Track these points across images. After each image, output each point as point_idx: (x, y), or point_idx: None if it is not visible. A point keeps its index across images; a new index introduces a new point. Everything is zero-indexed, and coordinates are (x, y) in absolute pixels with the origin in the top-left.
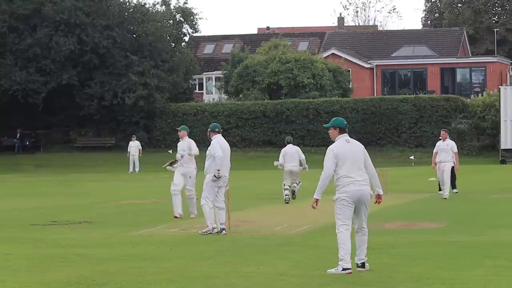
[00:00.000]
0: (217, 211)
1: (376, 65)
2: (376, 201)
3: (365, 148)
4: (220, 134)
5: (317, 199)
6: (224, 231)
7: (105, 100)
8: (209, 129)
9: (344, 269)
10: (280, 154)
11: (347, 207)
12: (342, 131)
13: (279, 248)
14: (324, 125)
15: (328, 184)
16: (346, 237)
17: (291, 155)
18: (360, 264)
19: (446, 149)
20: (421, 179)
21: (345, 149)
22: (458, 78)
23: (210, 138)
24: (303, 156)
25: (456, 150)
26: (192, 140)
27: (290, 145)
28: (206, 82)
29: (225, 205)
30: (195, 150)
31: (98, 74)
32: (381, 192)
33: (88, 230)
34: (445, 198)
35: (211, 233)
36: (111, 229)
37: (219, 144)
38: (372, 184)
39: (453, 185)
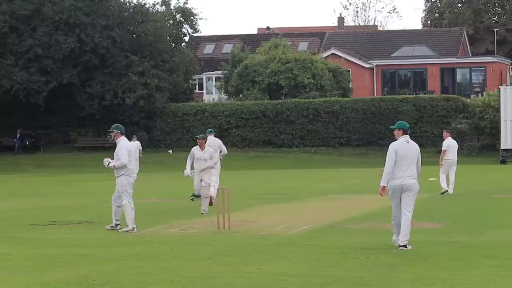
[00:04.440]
0: (117, 208)
1: (376, 65)
2: None
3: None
4: (124, 136)
5: (383, 186)
6: (118, 226)
7: (106, 100)
8: (116, 130)
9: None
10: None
11: (394, 196)
12: (405, 132)
13: (279, 248)
14: (390, 127)
15: (391, 174)
16: (395, 219)
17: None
18: (401, 245)
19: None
20: (421, 179)
21: (404, 149)
22: (458, 78)
23: (114, 140)
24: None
25: (443, 147)
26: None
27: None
28: (206, 82)
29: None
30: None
31: (99, 74)
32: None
33: (88, 230)
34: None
35: (131, 232)
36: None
37: (126, 149)
38: None
39: None
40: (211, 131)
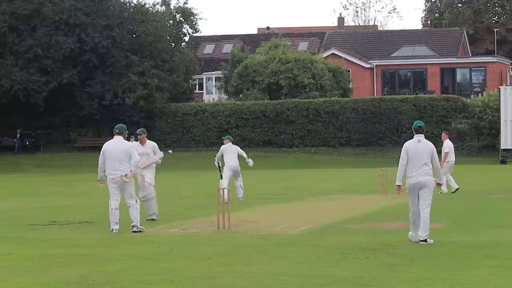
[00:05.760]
0: (128, 210)
1: (376, 65)
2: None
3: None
4: (120, 136)
5: (398, 185)
6: (135, 228)
7: (105, 100)
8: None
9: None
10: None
11: (410, 193)
12: (416, 131)
13: (279, 248)
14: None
15: (404, 172)
16: (412, 215)
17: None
18: (421, 240)
19: None
20: None
21: (414, 148)
22: (458, 78)
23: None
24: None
25: (445, 149)
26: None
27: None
28: (206, 82)
29: (133, 202)
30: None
31: (99, 74)
32: (440, 182)
33: (88, 230)
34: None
35: (111, 232)
36: None
37: (102, 150)
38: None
39: None
40: (229, 137)
